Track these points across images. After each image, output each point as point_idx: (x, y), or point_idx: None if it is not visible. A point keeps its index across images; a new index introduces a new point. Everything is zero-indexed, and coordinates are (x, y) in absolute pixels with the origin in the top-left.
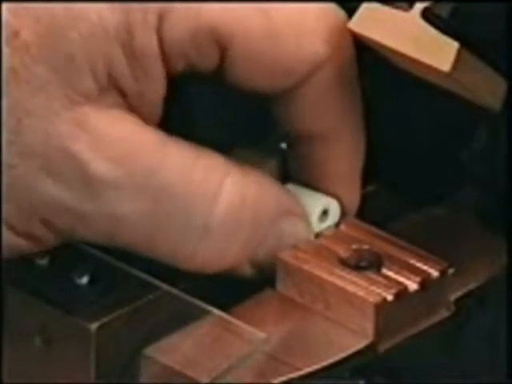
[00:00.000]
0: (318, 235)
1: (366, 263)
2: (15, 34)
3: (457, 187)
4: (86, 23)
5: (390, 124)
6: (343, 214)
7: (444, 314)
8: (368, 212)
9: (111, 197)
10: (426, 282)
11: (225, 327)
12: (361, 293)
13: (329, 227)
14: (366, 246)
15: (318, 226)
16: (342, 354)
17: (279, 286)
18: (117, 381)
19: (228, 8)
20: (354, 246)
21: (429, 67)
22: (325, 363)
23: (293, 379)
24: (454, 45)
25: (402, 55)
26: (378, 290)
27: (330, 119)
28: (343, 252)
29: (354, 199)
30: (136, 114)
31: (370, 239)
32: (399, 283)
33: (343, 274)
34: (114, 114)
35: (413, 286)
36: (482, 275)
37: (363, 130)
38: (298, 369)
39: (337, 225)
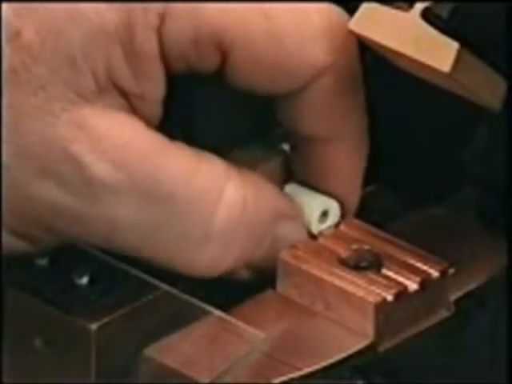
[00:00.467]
0: (318, 235)
1: (366, 263)
2: (17, 33)
3: (457, 187)
4: (87, 23)
5: (390, 124)
6: (343, 214)
7: (444, 314)
8: (368, 212)
9: (110, 200)
10: (426, 282)
11: (224, 327)
12: (361, 293)
13: (329, 227)
14: (366, 246)
15: (318, 227)
16: (342, 354)
17: (279, 286)
18: (117, 381)
19: (229, 10)
20: (354, 246)
21: (429, 67)
22: (325, 363)
23: (293, 379)
24: (454, 45)
25: (402, 55)
26: (378, 290)
27: (333, 122)
28: (343, 252)
29: (353, 200)
30: (137, 115)
31: (370, 239)
32: (399, 283)
33: (343, 274)
34: (114, 116)
35: (413, 286)
36: (482, 275)
37: (366, 131)
38: (298, 369)
39: (337, 225)
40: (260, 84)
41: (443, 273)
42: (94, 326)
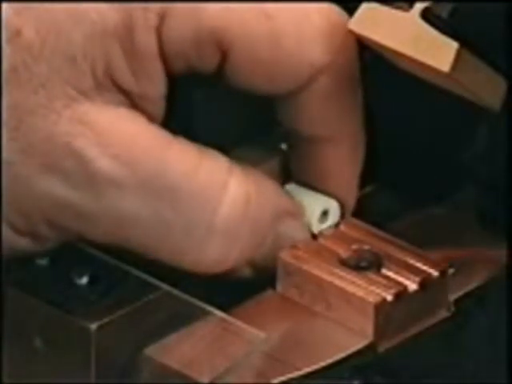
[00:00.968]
0: (318, 235)
1: (366, 263)
2: (17, 32)
3: (457, 187)
4: (87, 23)
5: (390, 124)
6: (343, 214)
7: (444, 314)
8: (368, 212)
9: (114, 195)
10: (425, 282)
11: (225, 327)
12: (360, 293)
13: (329, 227)
14: (365, 246)
15: (318, 227)
16: (342, 354)
17: (279, 286)
18: (117, 381)
19: (229, 9)
20: (354, 246)
21: (429, 67)
22: (324, 363)
23: (292, 379)
24: (454, 45)
25: (402, 55)
26: (378, 290)
27: (332, 122)
28: (343, 252)
29: (351, 200)
30: (141, 113)
31: (369, 239)
32: (399, 283)
33: (343, 274)
34: (117, 112)
35: (413, 286)
36: (482, 275)
37: (364, 132)
38: (298, 369)
39: (337, 225)
40: (259, 84)
41: (443, 273)
42: (93, 326)
